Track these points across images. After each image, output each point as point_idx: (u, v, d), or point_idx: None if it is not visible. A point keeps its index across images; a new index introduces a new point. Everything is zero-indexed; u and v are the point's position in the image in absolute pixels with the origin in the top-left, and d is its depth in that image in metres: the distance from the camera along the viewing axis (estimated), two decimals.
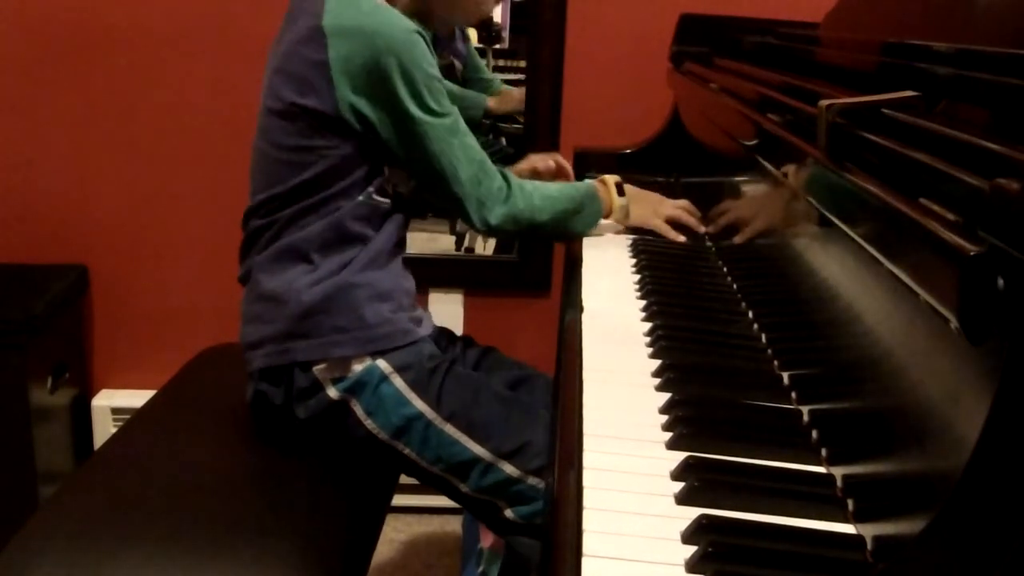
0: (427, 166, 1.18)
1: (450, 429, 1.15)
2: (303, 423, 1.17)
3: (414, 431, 1.15)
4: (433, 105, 1.16)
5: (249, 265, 1.22)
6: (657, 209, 1.43)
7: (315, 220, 1.16)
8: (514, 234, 1.31)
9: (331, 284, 1.15)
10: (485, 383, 1.22)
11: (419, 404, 1.15)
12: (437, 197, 1.23)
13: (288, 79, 1.15)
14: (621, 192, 1.39)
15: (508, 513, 1.15)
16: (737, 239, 1.23)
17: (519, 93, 2.02)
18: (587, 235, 1.36)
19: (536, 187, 1.29)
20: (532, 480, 1.13)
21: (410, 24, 1.14)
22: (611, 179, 1.40)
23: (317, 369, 1.15)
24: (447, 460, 1.15)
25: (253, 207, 1.22)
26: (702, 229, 1.42)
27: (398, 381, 1.15)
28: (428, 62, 1.15)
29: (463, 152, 1.20)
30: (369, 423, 1.15)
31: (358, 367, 1.15)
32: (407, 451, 1.16)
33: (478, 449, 1.14)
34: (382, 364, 1.15)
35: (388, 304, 1.18)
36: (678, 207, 1.44)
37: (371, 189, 1.19)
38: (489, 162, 1.24)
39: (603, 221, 1.39)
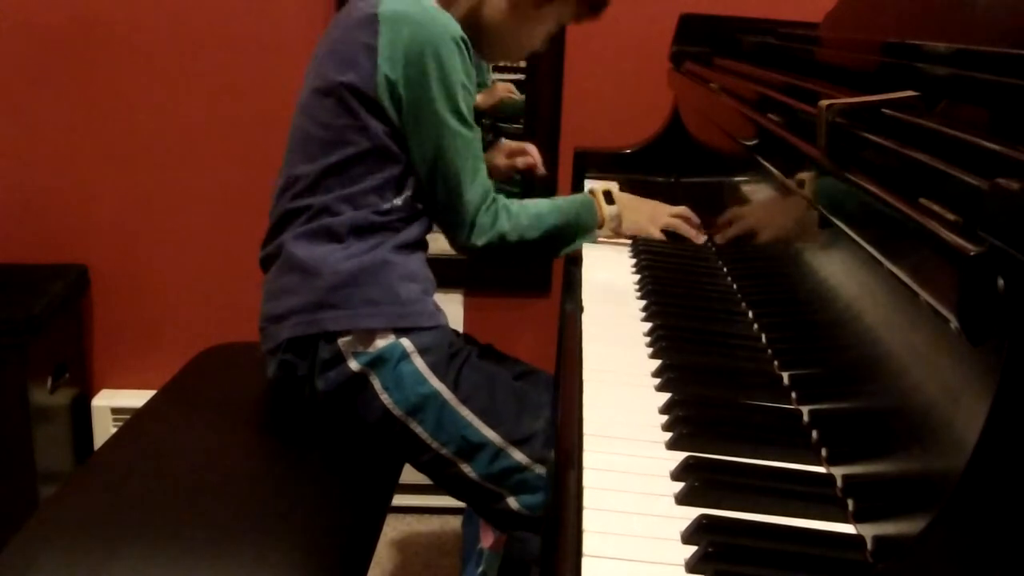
0: (437, 168, 1.19)
1: (465, 411, 1.16)
2: (321, 397, 1.19)
3: (429, 410, 1.16)
4: (462, 110, 1.18)
5: (279, 244, 1.23)
6: (654, 217, 1.40)
7: (349, 210, 1.19)
8: (499, 253, 1.28)
9: (365, 259, 1.18)
10: (500, 374, 1.25)
11: (437, 384, 1.17)
12: (436, 204, 1.23)
13: (336, 58, 1.19)
14: (611, 200, 1.36)
15: (512, 503, 1.16)
16: (737, 239, 1.23)
17: (503, 85, 2.02)
18: (579, 247, 1.34)
19: (525, 207, 1.28)
20: (539, 469, 1.15)
21: (459, 31, 1.17)
22: (599, 189, 1.37)
23: (341, 341, 1.16)
24: (458, 441, 1.16)
25: (285, 184, 1.23)
26: (702, 239, 1.38)
27: (418, 361, 1.17)
28: (467, 71, 1.18)
29: (475, 173, 1.22)
30: (385, 397, 1.16)
31: (381, 342, 1.16)
32: (419, 429, 1.17)
33: (490, 433, 1.16)
34: (405, 343, 1.17)
35: (418, 285, 1.21)
36: (676, 215, 1.41)
37: (408, 193, 1.21)
38: (489, 185, 1.25)
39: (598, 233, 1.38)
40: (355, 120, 1.17)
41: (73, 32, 1.88)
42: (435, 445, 1.17)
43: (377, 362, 1.16)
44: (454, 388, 1.17)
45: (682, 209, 1.42)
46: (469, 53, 1.19)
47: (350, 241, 1.18)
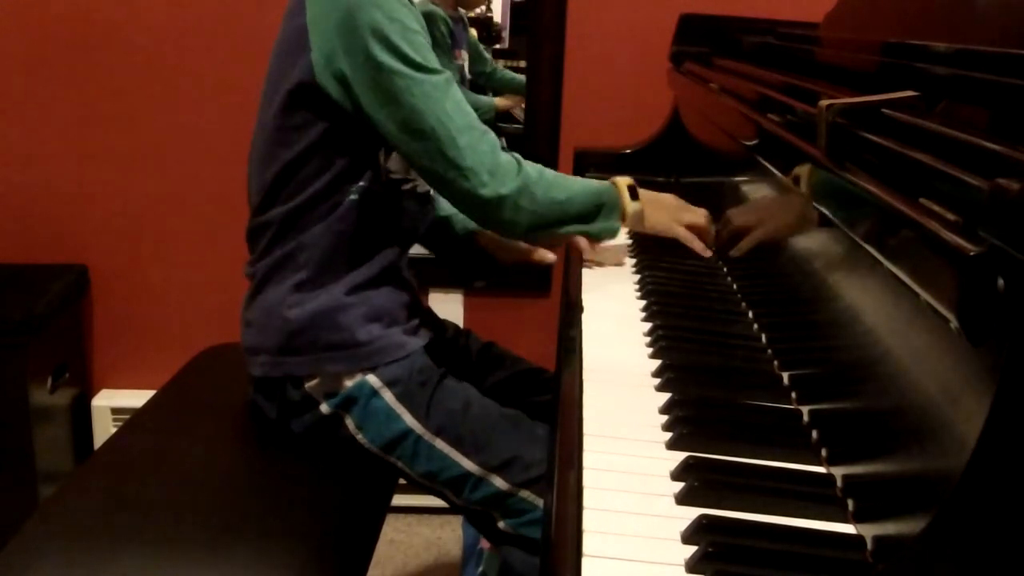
0: (414, 128, 1.06)
1: (439, 444, 1.13)
2: (298, 436, 1.18)
3: (405, 445, 1.14)
4: (415, 58, 1.05)
5: (250, 270, 1.20)
6: (677, 215, 1.28)
7: (313, 222, 1.13)
8: (528, 216, 1.11)
9: (323, 303, 1.13)
10: (475, 396, 1.19)
11: (408, 419, 1.14)
12: (432, 170, 1.09)
13: (278, 53, 1.13)
14: (634, 196, 1.24)
15: (501, 524, 1.15)
16: (737, 239, 1.22)
17: (520, 82, 2.03)
18: (612, 235, 1.22)
19: (544, 168, 1.16)
20: (523, 493, 1.12)
21: None
22: (623, 181, 1.25)
23: (309, 385, 1.15)
24: (438, 475, 1.14)
25: (250, 201, 1.20)
26: (708, 253, 1.28)
27: (388, 395, 1.14)
28: (408, 16, 1.06)
29: (458, 114, 1.07)
30: (360, 436, 1.15)
31: (349, 382, 1.14)
32: (399, 463, 1.16)
33: (467, 464, 1.13)
34: (371, 379, 1.14)
35: (381, 322, 1.16)
36: (693, 223, 1.28)
37: (363, 183, 1.13)
38: (491, 132, 1.11)
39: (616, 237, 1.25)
40: (298, 117, 1.10)
41: (73, 32, 1.88)
42: (415, 476, 1.16)
43: (347, 402, 1.14)
44: (425, 419, 1.14)
45: (702, 215, 1.30)
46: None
47: (313, 276, 1.13)
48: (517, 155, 1.14)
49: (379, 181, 1.15)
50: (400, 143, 1.08)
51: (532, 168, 1.14)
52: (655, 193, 1.28)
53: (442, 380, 1.18)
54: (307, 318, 1.13)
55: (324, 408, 1.15)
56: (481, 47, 2.07)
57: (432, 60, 1.07)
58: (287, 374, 1.15)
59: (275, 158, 1.13)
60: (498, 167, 1.09)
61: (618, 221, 1.22)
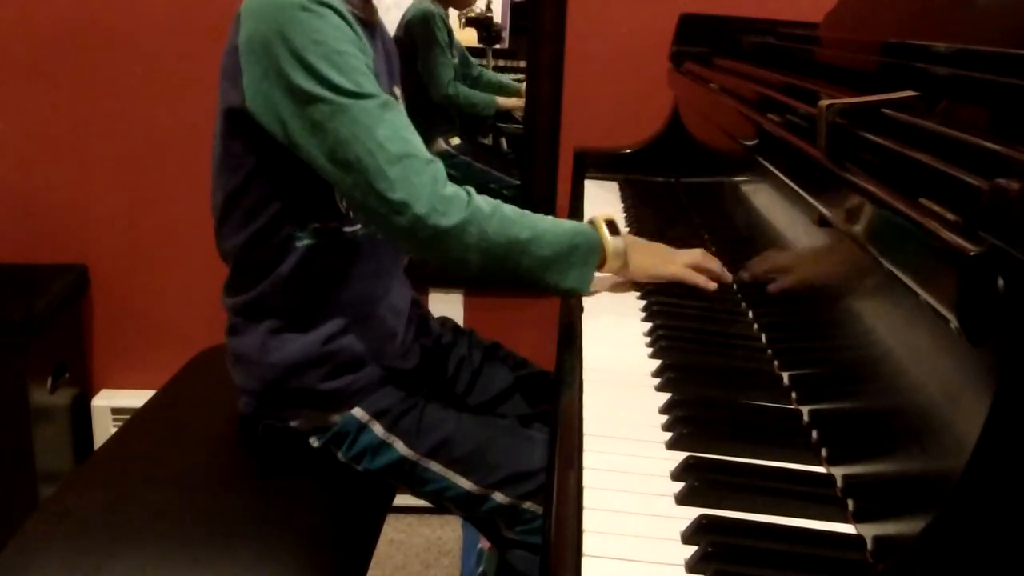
0: (341, 159, 0.96)
1: (435, 467, 1.12)
2: (291, 461, 1.17)
3: (401, 472, 1.13)
4: (339, 82, 0.96)
5: (227, 301, 1.16)
6: (666, 260, 1.14)
7: (270, 267, 1.08)
8: (480, 254, 1.00)
9: (300, 353, 1.10)
10: (466, 415, 1.16)
11: (401, 448, 1.12)
12: (366, 207, 0.98)
13: (221, 72, 1.05)
14: (615, 231, 1.10)
15: (506, 533, 1.14)
16: (737, 239, 1.22)
17: (506, 84, 2.05)
18: (583, 289, 1.08)
19: (504, 204, 1.05)
20: (525, 504, 1.10)
21: None
22: (600, 217, 1.11)
23: (294, 424, 1.14)
24: (439, 495, 1.13)
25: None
26: (728, 277, 1.14)
27: (377, 428, 1.12)
28: (337, 36, 0.97)
29: (392, 142, 0.96)
30: (355, 466, 1.14)
31: (336, 418, 1.13)
32: (399, 484, 1.16)
33: (466, 484, 1.11)
34: (358, 413, 1.12)
35: (363, 366, 1.14)
36: (691, 263, 1.14)
37: (316, 226, 1.08)
38: (438, 162, 1.01)
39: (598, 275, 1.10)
40: (236, 144, 1.04)
41: (73, 32, 1.88)
42: (416, 494, 1.16)
43: (337, 438, 1.13)
44: (417, 446, 1.12)
45: (697, 254, 1.15)
46: (338, 11, 0.99)
47: (290, 323, 1.10)
48: (470, 188, 1.03)
49: (339, 224, 1.09)
50: (333, 178, 0.99)
51: (485, 202, 1.02)
52: (641, 240, 1.16)
53: (428, 401, 1.16)
54: (285, 367, 1.10)
55: (313, 442, 1.14)
56: (465, 49, 2.07)
57: (366, 83, 0.98)
58: (271, 416, 1.14)
59: (221, 183, 1.09)
60: (439, 199, 0.97)
61: (595, 268, 1.08)
